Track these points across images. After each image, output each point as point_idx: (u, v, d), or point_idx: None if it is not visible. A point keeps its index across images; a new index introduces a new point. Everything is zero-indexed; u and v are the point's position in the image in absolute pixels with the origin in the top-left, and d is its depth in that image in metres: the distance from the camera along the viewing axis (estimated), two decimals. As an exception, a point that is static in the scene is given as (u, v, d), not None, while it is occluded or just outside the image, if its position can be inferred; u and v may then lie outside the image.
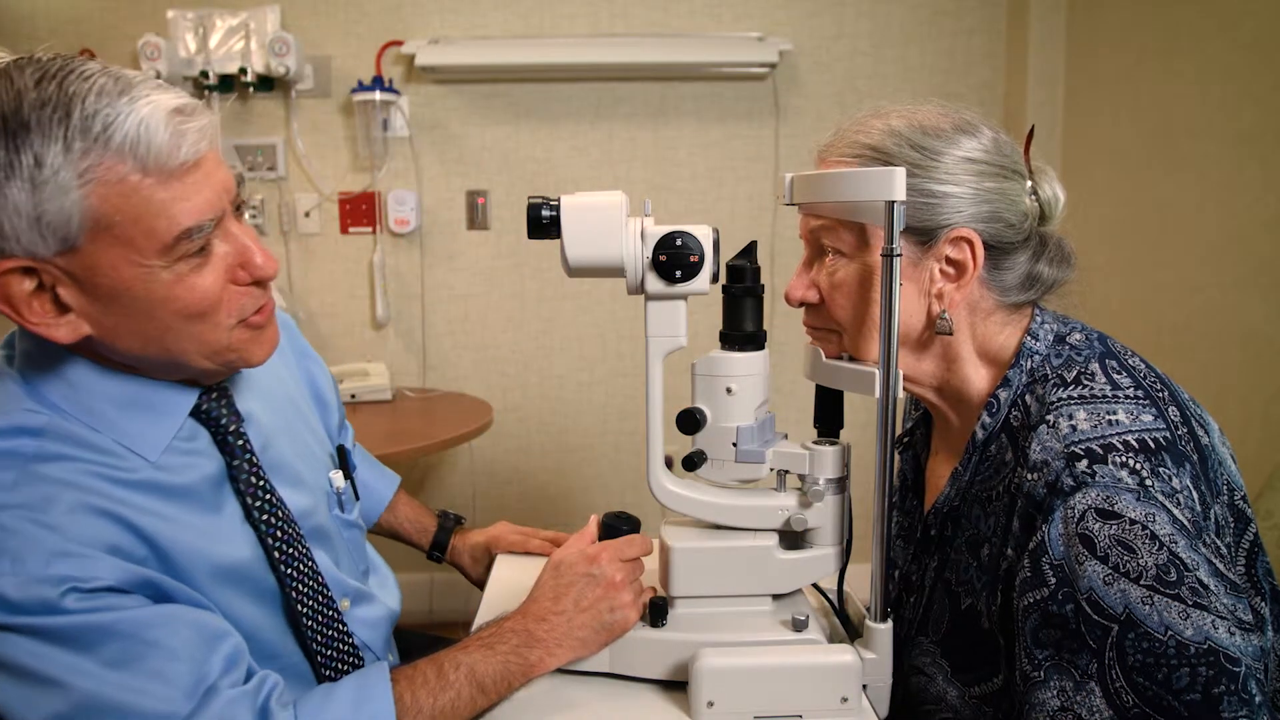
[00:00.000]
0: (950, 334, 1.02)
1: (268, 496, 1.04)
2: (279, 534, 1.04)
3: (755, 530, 1.08)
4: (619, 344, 3.08)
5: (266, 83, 2.84)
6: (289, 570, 1.05)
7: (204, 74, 2.75)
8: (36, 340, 0.93)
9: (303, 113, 2.91)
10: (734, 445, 1.05)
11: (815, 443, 1.08)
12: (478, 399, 2.86)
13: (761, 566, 1.07)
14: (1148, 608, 0.83)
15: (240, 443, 1.04)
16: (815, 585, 1.22)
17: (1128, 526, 0.85)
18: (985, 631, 1.00)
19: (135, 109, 0.85)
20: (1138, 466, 0.88)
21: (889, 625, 1.02)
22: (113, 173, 0.84)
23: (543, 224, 0.98)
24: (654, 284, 1.00)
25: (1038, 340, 1.04)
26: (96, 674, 0.83)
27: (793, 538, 1.09)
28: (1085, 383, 0.97)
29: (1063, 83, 2.88)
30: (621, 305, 3.04)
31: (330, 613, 1.10)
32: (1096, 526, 0.86)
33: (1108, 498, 0.86)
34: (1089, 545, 0.86)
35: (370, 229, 2.96)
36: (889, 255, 0.93)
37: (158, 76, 2.69)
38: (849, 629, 1.17)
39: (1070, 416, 0.94)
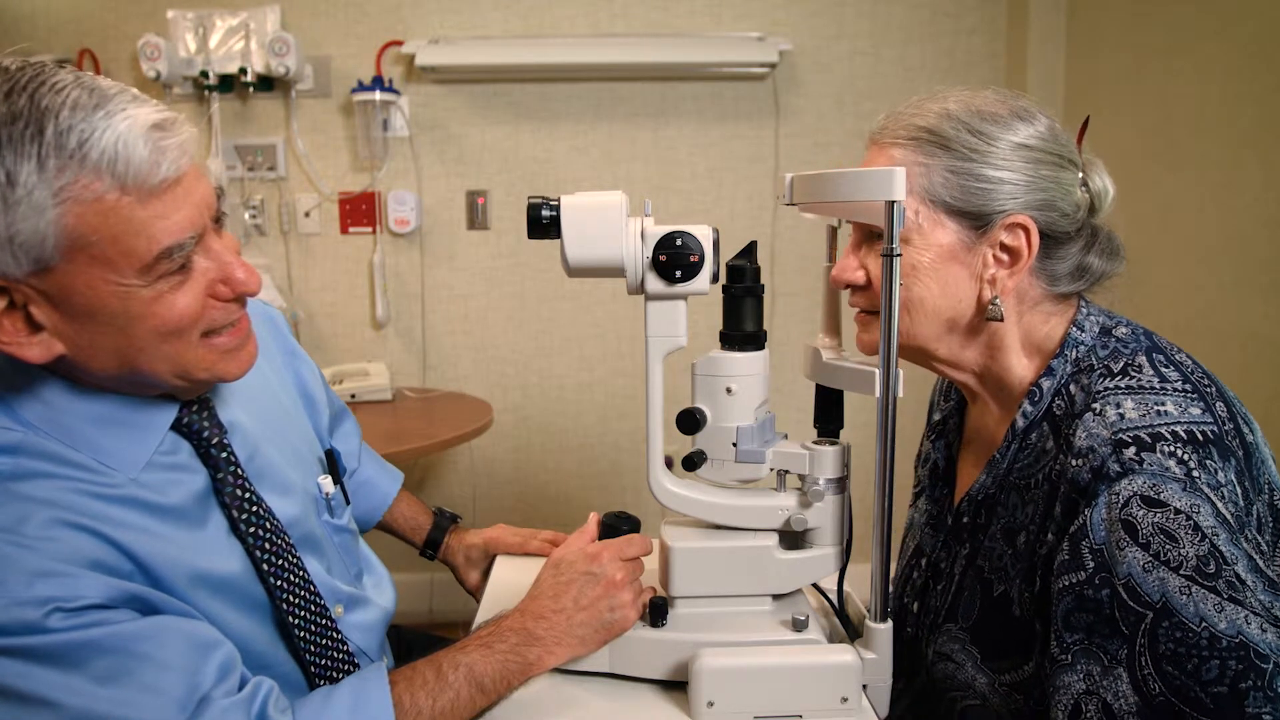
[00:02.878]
0: (1001, 320, 1.02)
1: (254, 508, 1.02)
2: (268, 545, 1.03)
3: (755, 530, 1.08)
4: (619, 344, 3.08)
5: (266, 83, 2.84)
6: (279, 581, 1.04)
7: (204, 74, 2.75)
8: (8, 358, 0.89)
9: (303, 113, 2.91)
10: (734, 445, 1.05)
11: (815, 443, 1.08)
12: (478, 399, 2.85)
13: (761, 566, 1.07)
14: (1184, 597, 0.84)
15: (224, 455, 1.01)
16: (815, 585, 1.22)
17: (1172, 516, 0.86)
18: (1017, 619, 1.01)
19: (112, 124, 0.81)
20: (1185, 457, 0.89)
21: (889, 625, 1.02)
22: (89, 191, 0.81)
23: (543, 224, 0.98)
24: (654, 284, 1.00)
25: (1083, 331, 1.04)
26: (87, 691, 0.82)
27: (793, 538, 1.09)
28: (1132, 374, 0.98)
29: (1063, 82, 2.88)
30: (621, 305, 3.04)
31: (324, 621, 1.10)
32: (1140, 514, 0.86)
33: (1154, 485, 0.87)
34: (1131, 531, 0.86)
35: (370, 229, 2.96)
36: (889, 255, 0.93)
37: (157, 77, 2.72)
38: (849, 629, 1.17)
39: (1118, 405, 0.94)
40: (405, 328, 3.02)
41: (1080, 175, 1.04)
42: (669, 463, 1.09)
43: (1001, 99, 1.04)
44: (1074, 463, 0.94)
